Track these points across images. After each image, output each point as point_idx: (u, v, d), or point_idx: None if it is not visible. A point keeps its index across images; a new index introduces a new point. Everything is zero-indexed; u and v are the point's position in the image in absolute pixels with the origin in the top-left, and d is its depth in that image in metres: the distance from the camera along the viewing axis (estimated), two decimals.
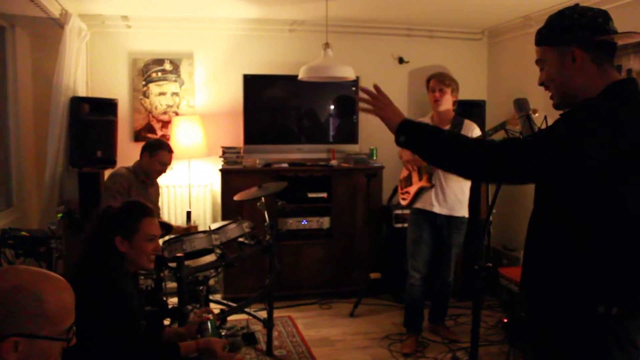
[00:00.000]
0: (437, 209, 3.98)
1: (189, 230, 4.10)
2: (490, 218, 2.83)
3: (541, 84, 1.81)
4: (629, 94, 1.66)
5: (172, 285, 3.29)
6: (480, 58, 5.74)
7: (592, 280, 1.60)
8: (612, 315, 1.58)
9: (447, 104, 3.98)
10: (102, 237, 2.32)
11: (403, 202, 4.19)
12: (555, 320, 1.67)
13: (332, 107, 5.45)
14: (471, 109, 5.10)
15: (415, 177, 4.07)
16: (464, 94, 5.53)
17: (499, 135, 3.44)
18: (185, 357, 2.34)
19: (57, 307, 1.44)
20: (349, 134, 5.42)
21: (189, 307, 3.66)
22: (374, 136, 5.40)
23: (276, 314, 4.58)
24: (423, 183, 4.00)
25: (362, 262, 5.12)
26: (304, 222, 5.09)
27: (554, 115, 1.78)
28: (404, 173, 4.20)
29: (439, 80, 3.96)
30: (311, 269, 5.10)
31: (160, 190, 4.46)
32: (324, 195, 5.10)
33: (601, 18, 1.67)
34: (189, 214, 4.70)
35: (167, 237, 3.39)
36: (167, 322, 3.42)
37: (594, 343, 1.60)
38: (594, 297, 1.59)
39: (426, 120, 4.11)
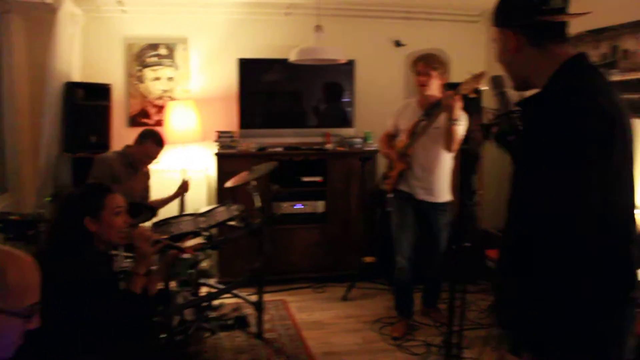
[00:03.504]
0: (421, 195, 3.96)
1: (183, 188, 4.38)
2: (476, 199, 2.81)
3: None
4: (579, 71, 1.60)
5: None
6: (478, 40, 5.63)
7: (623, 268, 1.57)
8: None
9: (434, 88, 3.89)
10: (70, 221, 2.36)
11: (387, 187, 4.15)
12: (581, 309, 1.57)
13: (328, 90, 5.41)
14: None
15: (395, 161, 4.05)
16: (461, 77, 5.48)
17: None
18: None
19: (18, 283, 1.47)
20: (344, 117, 5.40)
21: (177, 290, 3.71)
22: (369, 120, 5.38)
23: (270, 297, 4.63)
24: (402, 165, 3.97)
25: (356, 245, 5.12)
26: (299, 206, 5.09)
27: None
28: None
29: (425, 64, 3.87)
30: (306, 253, 5.11)
31: (151, 175, 4.47)
32: (319, 179, 5.10)
33: None
34: (181, 198, 4.70)
35: (153, 220, 3.41)
36: None
37: (623, 323, 1.60)
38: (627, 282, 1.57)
39: (412, 103, 4.06)
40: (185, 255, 2.73)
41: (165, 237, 2.99)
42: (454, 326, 3.94)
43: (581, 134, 1.48)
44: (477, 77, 3.33)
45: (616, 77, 4.19)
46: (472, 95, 3.50)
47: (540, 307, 1.60)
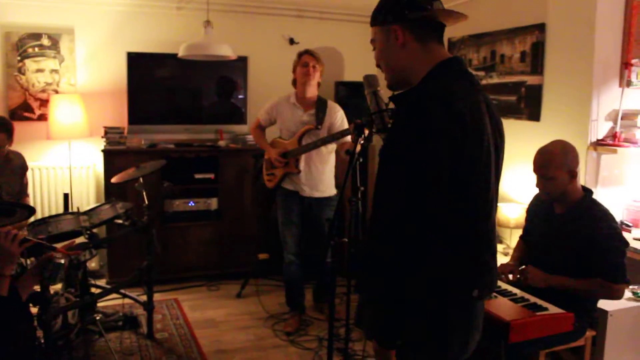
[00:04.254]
0: (307, 192, 4.01)
1: None
2: (359, 195, 2.88)
3: (378, 65, 1.84)
4: (451, 73, 1.68)
5: None
6: (369, 40, 5.79)
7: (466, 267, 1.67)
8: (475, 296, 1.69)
9: (315, 82, 3.95)
10: None
11: (269, 184, 4.17)
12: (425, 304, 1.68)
13: (221, 87, 5.36)
14: (358, 90, 5.17)
15: (282, 164, 4.05)
16: (354, 76, 5.64)
17: None
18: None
19: None
20: (237, 114, 5.37)
21: (60, 292, 3.55)
22: None
23: (162, 296, 4.56)
24: (290, 169, 4.00)
25: (250, 242, 5.11)
26: (191, 204, 5.01)
27: None
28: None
29: (313, 56, 3.91)
30: (199, 251, 5.04)
31: (27, 168, 4.23)
32: (212, 176, 5.04)
33: None
34: (66, 196, 4.50)
35: (31, 220, 3.24)
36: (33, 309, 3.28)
37: (464, 319, 1.71)
38: (468, 282, 1.68)
39: (290, 100, 4.03)
40: (60, 260, 2.60)
41: (42, 237, 2.86)
42: (341, 320, 4.07)
43: (431, 136, 1.54)
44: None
45: (494, 80, 4.45)
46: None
47: (386, 300, 1.70)
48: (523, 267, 2.95)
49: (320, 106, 3.94)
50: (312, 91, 3.95)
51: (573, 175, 2.81)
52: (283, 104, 4.07)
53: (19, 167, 4.09)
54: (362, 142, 2.40)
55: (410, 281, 1.64)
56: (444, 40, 1.79)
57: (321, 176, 4.00)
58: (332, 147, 4.01)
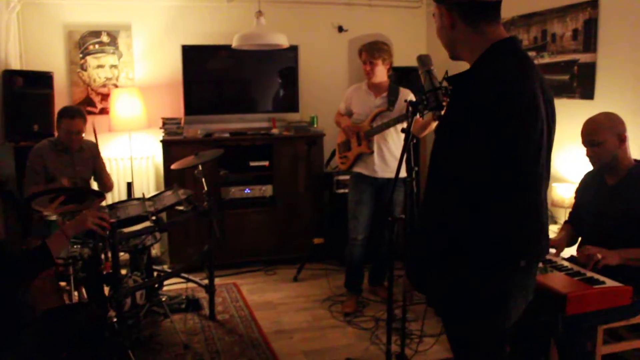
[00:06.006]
0: (379, 174, 4.08)
1: None
2: (413, 175, 2.95)
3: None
4: (505, 55, 1.69)
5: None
6: (419, 26, 5.80)
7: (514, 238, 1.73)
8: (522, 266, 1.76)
9: (380, 74, 4.04)
10: None
11: (342, 167, 4.28)
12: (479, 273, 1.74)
13: (272, 76, 5.47)
14: (409, 75, 5.20)
15: (354, 143, 4.15)
16: (404, 61, 5.65)
17: None
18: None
19: None
20: (289, 102, 5.47)
21: (128, 275, 3.73)
22: (315, 104, 5.49)
23: (222, 281, 4.71)
24: (363, 149, 4.08)
25: (305, 228, 5.23)
26: (247, 191, 5.16)
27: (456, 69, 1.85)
28: (342, 137, 4.27)
29: (368, 53, 4.01)
30: (256, 236, 5.18)
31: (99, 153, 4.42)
32: (266, 163, 5.17)
33: None
34: (129, 185, 4.71)
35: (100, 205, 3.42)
36: (107, 289, 3.46)
37: (504, 290, 1.77)
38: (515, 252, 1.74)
39: (363, 86, 4.17)
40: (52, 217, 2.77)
41: (113, 221, 3.02)
42: (397, 301, 4.12)
43: (478, 117, 1.59)
44: None
45: (546, 59, 4.41)
46: None
47: (441, 271, 1.77)
48: (586, 247, 2.80)
49: (392, 91, 4.05)
50: (379, 80, 4.07)
51: (622, 139, 2.78)
52: (356, 91, 4.21)
53: (91, 156, 4.29)
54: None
55: (458, 249, 1.70)
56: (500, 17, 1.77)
57: (394, 159, 4.06)
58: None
